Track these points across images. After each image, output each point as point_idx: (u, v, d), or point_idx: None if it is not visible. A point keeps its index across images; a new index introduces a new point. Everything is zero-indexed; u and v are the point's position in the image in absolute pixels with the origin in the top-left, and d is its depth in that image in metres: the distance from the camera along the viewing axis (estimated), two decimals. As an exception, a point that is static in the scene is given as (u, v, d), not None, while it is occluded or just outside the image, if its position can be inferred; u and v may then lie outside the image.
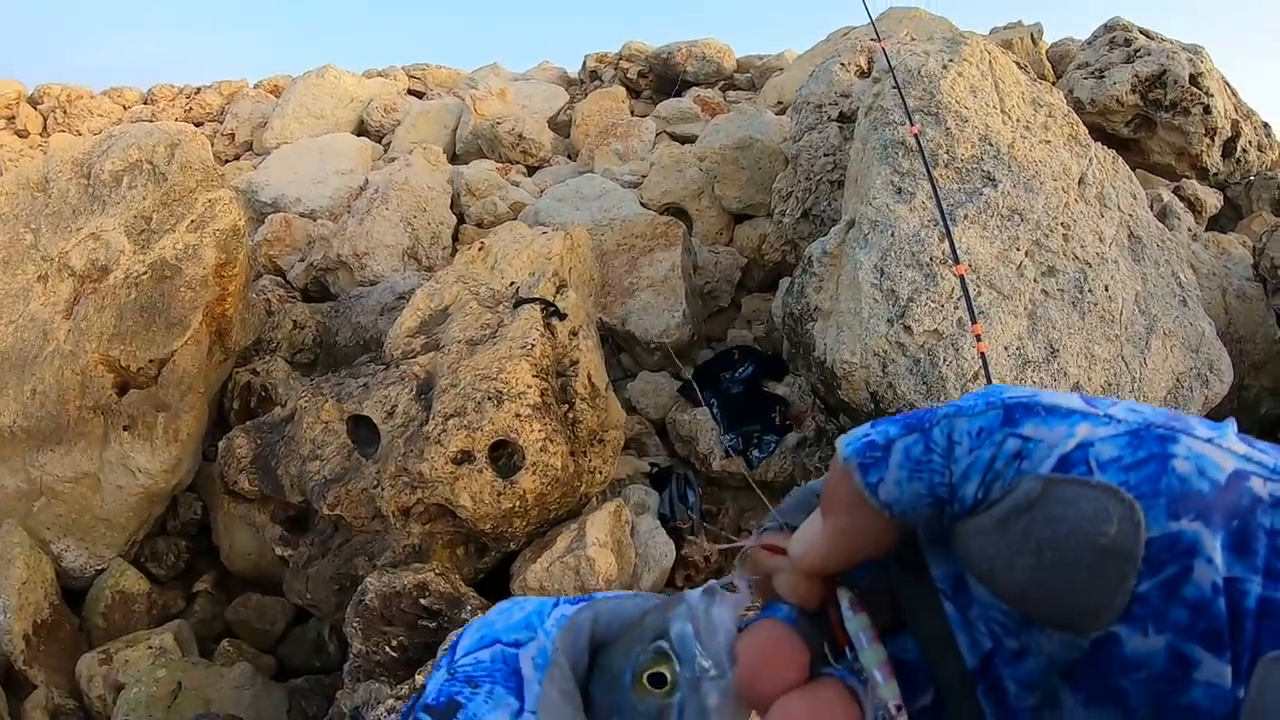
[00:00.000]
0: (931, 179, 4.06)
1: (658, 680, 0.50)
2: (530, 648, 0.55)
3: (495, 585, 4.01)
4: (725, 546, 0.57)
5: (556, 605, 0.58)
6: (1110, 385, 4.21)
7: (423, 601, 3.41)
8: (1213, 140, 7.87)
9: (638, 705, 0.50)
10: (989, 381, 3.45)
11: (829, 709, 0.49)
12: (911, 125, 4.50)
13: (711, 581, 0.53)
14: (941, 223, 3.92)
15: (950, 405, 0.43)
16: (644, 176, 8.73)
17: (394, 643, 3.19)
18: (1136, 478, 0.37)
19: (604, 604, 0.58)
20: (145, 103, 15.35)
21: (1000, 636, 0.42)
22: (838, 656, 0.50)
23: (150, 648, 4.12)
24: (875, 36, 5.64)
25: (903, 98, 4.68)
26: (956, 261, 3.74)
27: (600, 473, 4.32)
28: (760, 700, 0.51)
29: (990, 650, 0.43)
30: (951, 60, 5.19)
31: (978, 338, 3.59)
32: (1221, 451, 0.37)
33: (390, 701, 2.27)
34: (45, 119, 14.54)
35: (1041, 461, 0.39)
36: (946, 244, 3.93)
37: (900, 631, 0.50)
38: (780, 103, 10.03)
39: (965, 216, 4.48)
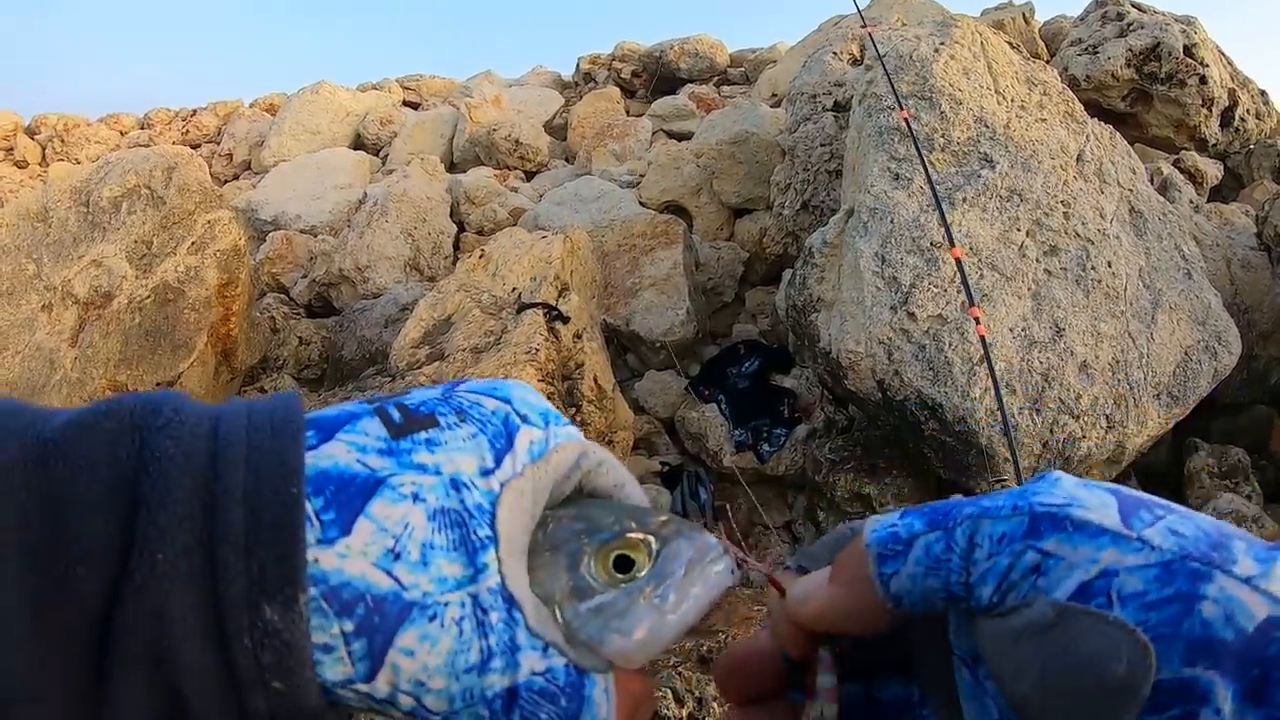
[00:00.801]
0: (924, 162, 4.05)
1: (623, 564, 0.46)
2: (535, 432, 0.47)
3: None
4: (743, 565, 0.53)
5: (571, 424, 0.51)
6: (1118, 361, 4.19)
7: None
8: (1210, 110, 7.83)
9: (585, 573, 0.46)
10: (991, 367, 3.44)
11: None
12: (901, 110, 4.48)
13: (731, 555, 0.50)
14: (936, 205, 3.90)
15: (978, 504, 0.42)
16: (642, 176, 8.72)
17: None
18: (1158, 617, 0.36)
19: (613, 461, 0.53)
20: (142, 127, 15.39)
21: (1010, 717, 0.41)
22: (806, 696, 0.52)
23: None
24: (863, 23, 5.61)
25: (891, 84, 4.67)
26: (952, 244, 3.72)
27: (611, 474, 4.31)
28: (729, 684, 0.54)
29: None
30: (943, 44, 5.18)
31: (976, 320, 3.57)
32: (1258, 596, 0.35)
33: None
34: (43, 149, 14.58)
35: (1059, 582, 0.38)
36: (944, 230, 3.91)
37: (889, 675, 0.52)
38: (775, 95, 10.01)
39: (964, 200, 4.47)
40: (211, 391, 5.12)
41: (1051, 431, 4.04)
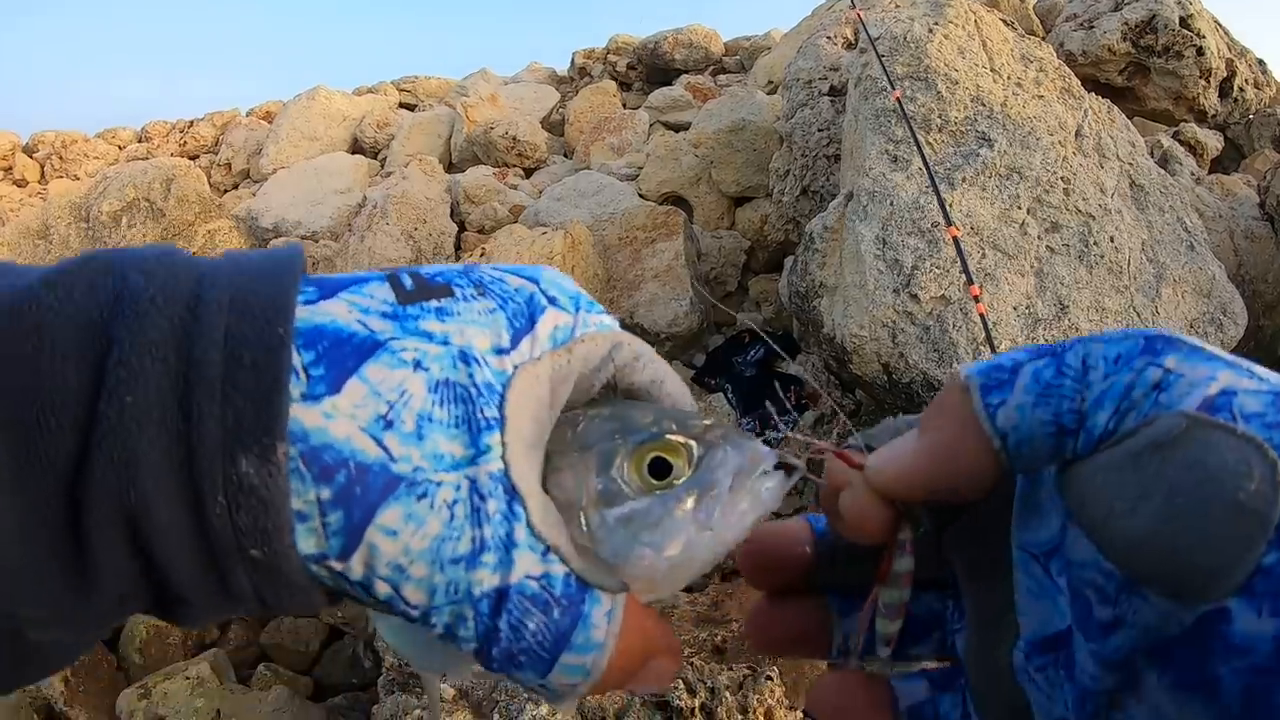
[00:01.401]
0: (917, 142, 4.03)
1: (659, 469, 0.41)
2: (562, 316, 0.43)
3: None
4: (801, 441, 0.48)
5: (607, 314, 0.46)
6: (1124, 336, 4.17)
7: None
8: (1208, 82, 7.79)
9: (616, 476, 0.41)
10: (992, 345, 3.43)
11: (859, 689, 0.48)
12: (894, 91, 4.46)
13: (784, 467, 0.45)
14: (931, 185, 3.89)
15: (1084, 336, 0.38)
16: (640, 168, 8.71)
17: (426, 654, 3.19)
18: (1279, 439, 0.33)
19: (650, 353, 0.48)
20: (140, 141, 15.41)
21: (1093, 604, 0.36)
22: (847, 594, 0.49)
23: (188, 678, 4.14)
24: (853, 4, 5.59)
25: (882, 65, 4.65)
26: (949, 223, 3.71)
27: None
28: (757, 571, 0.50)
29: (1071, 625, 0.38)
30: (937, 24, 5.15)
31: (976, 299, 3.56)
32: None
33: (417, 712, 2.26)
34: (42, 166, 14.61)
35: (1182, 398, 0.34)
36: (941, 210, 3.90)
37: (924, 590, 0.48)
38: (771, 82, 9.98)
39: (964, 179, 4.46)
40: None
41: (1059, 408, 4.02)
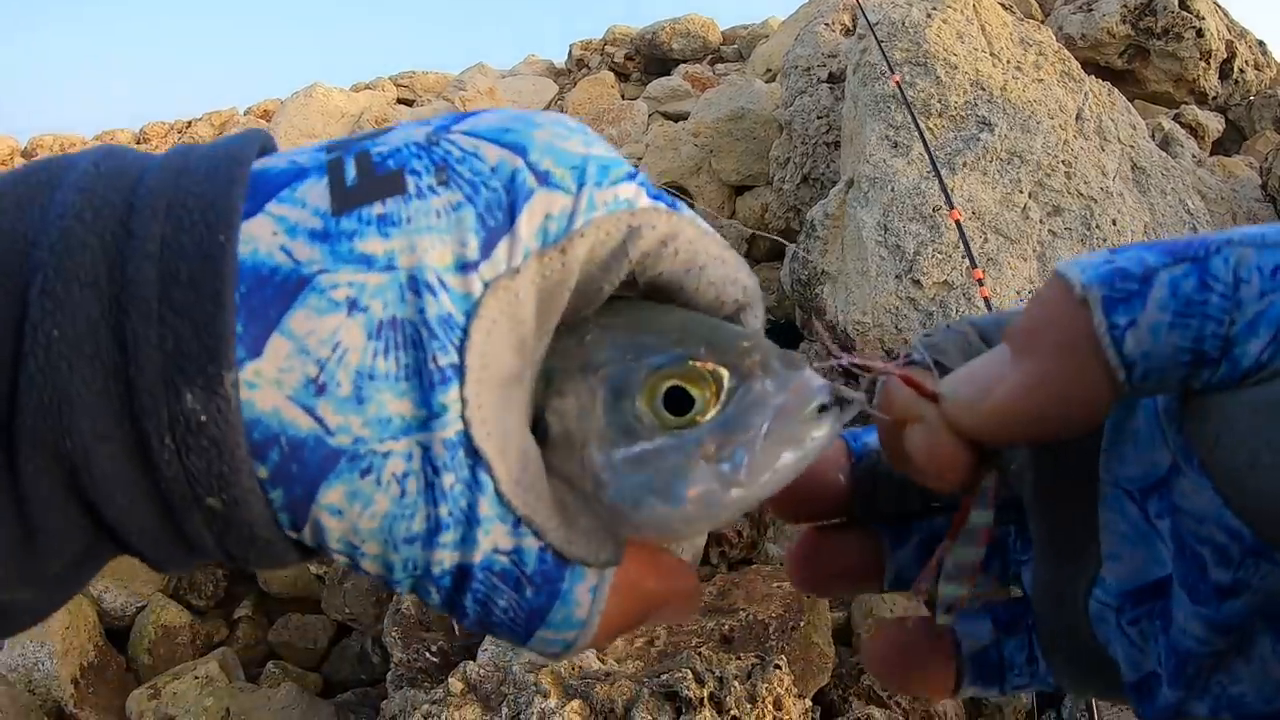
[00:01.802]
0: (918, 126, 4.02)
1: (678, 400, 0.33)
2: (557, 199, 0.33)
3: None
4: (855, 363, 0.38)
5: (632, 178, 0.35)
6: (1127, 319, 4.17)
7: (459, 604, 3.40)
8: (1208, 63, 7.76)
9: (628, 408, 0.33)
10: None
11: (918, 634, 0.42)
12: (893, 75, 4.45)
13: (841, 403, 0.36)
14: (933, 169, 3.87)
15: (1225, 234, 0.30)
16: (640, 159, 8.69)
17: (434, 648, 3.20)
18: None
19: (688, 234, 0.37)
20: (138, 142, 15.39)
21: (1208, 564, 0.30)
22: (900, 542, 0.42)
23: (197, 678, 4.15)
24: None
25: (882, 50, 4.64)
26: (951, 207, 3.70)
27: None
28: (786, 503, 0.42)
29: (1171, 575, 0.33)
30: (935, 8, 5.14)
31: (979, 282, 3.55)
32: None
33: (426, 706, 2.26)
34: (42, 167, 14.61)
35: None
36: (943, 194, 3.89)
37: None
38: (769, 70, 9.95)
39: (964, 164, 4.44)
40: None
41: (1064, 393, 4.02)
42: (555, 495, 0.33)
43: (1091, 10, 7.84)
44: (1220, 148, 7.65)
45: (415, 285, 0.31)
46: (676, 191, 7.92)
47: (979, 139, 4.56)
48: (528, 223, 0.32)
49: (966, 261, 4.07)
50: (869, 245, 4.35)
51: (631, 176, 0.36)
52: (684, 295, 0.37)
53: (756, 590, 3.12)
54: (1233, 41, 7.97)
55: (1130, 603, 0.35)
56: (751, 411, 0.33)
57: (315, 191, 0.32)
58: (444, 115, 0.36)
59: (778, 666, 2.32)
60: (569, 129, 0.35)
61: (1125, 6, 7.65)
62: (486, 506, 0.31)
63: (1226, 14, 8.19)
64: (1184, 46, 7.62)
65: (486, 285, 0.31)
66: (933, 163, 3.86)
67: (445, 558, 0.31)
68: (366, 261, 0.31)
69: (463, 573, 0.32)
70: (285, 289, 0.30)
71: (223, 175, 0.32)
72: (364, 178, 0.32)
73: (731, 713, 2.16)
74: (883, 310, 4.22)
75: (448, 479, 0.31)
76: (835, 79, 6.65)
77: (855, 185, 4.66)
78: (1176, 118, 7.41)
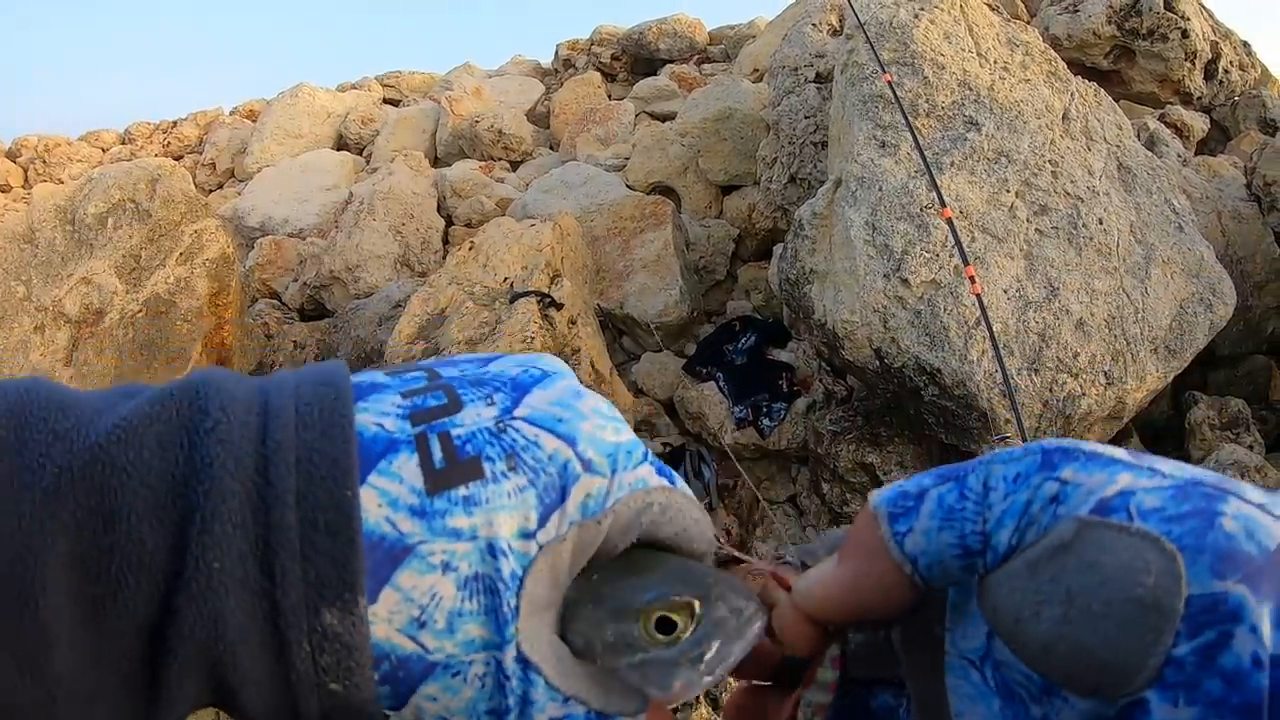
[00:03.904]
0: (909, 125, 4.03)
1: (665, 625, 0.45)
2: (595, 482, 0.44)
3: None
4: (740, 562, 0.53)
5: (645, 458, 0.47)
6: (1114, 318, 4.18)
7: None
8: (1193, 64, 7.81)
9: (626, 631, 0.45)
10: (989, 324, 3.43)
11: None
12: (884, 74, 4.46)
13: (764, 610, 0.49)
14: (924, 168, 3.89)
15: (987, 456, 0.41)
16: (627, 159, 8.70)
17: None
18: (1179, 530, 0.34)
19: (678, 505, 0.49)
20: (123, 143, 15.32)
21: (1027, 703, 0.38)
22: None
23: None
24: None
25: (872, 49, 4.65)
26: (943, 205, 3.71)
27: (613, 459, 4.32)
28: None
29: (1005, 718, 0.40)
30: (922, 9, 5.15)
31: (971, 279, 3.56)
32: (1273, 519, 0.34)
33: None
34: (25, 171, 14.52)
35: (1079, 505, 0.36)
36: (934, 192, 3.90)
37: (885, 687, 0.50)
38: (756, 70, 9.97)
39: (952, 164, 4.46)
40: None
41: (1051, 391, 4.04)
42: (591, 674, 0.44)
43: (1077, 11, 7.88)
44: (1205, 147, 7.70)
45: (493, 551, 0.41)
46: (664, 193, 7.93)
47: (966, 139, 4.57)
48: (574, 500, 0.43)
49: (954, 261, 4.09)
50: (857, 244, 4.36)
51: (645, 458, 0.47)
52: (671, 545, 0.49)
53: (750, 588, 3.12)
54: (1218, 42, 8.02)
55: None
56: (714, 628, 0.46)
57: (409, 469, 0.41)
58: (502, 380, 0.47)
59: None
60: (605, 420, 0.47)
61: (1111, 7, 7.69)
62: (538, 694, 0.41)
63: (1211, 15, 8.24)
64: (1169, 47, 7.67)
65: (540, 548, 0.42)
66: (924, 161, 3.88)
67: None
68: (456, 534, 0.41)
69: None
70: (393, 554, 0.39)
71: (338, 435, 0.40)
72: (449, 462, 0.42)
73: (723, 711, 2.17)
74: (871, 309, 4.23)
75: (513, 680, 0.41)
76: (823, 79, 6.67)
77: (843, 185, 4.67)
78: (1162, 118, 7.46)
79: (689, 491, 0.51)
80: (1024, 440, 3.24)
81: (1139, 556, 0.34)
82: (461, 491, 0.41)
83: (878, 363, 4.29)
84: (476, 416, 0.44)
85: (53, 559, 0.36)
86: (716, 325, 6.38)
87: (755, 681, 0.55)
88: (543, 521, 0.42)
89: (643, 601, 0.46)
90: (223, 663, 0.38)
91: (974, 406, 3.98)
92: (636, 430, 5.28)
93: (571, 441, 0.44)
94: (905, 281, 4.19)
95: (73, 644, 0.36)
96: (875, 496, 0.43)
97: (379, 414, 0.43)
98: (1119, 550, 0.34)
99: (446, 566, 0.40)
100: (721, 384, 5.55)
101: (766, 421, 5.27)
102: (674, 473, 0.50)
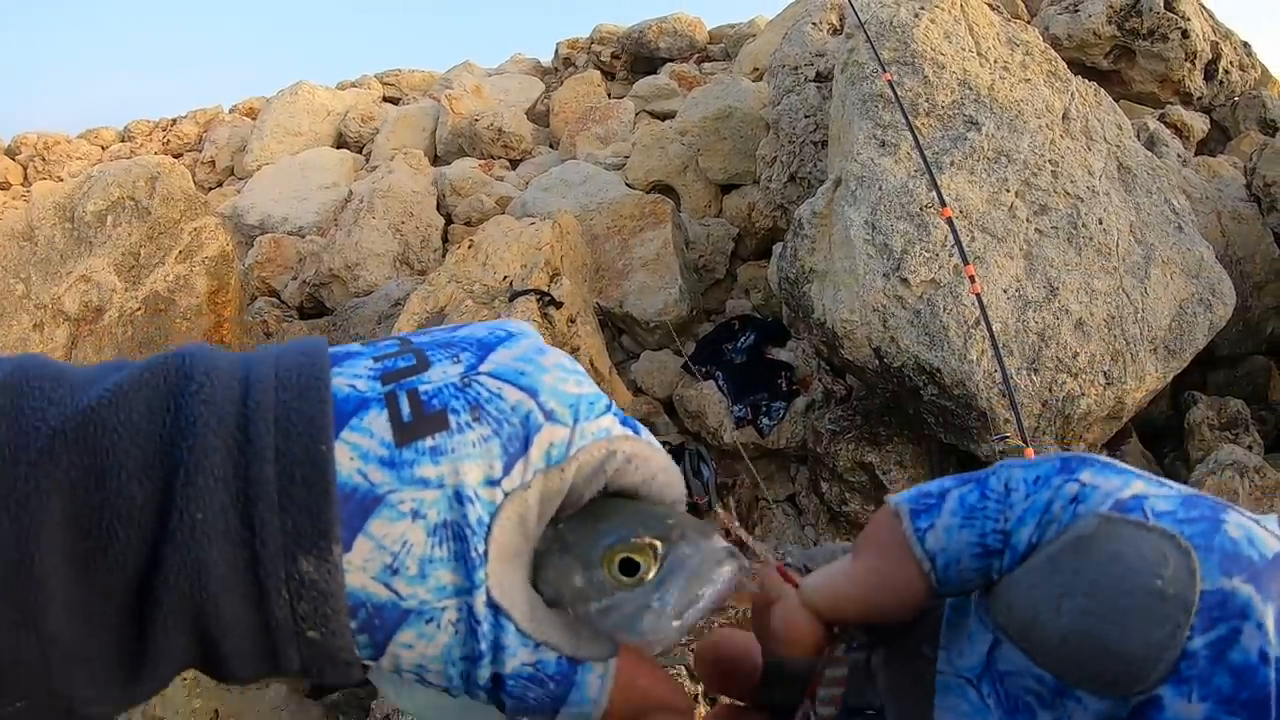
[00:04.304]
0: (909, 124, 4.03)
1: (629, 567, 0.46)
2: (558, 432, 0.45)
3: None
4: (743, 540, 0.51)
5: (609, 410, 0.48)
6: (1113, 318, 4.18)
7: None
8: (1193, 64, 7.81)
9: (592, 576, 0.46)
10: (988, 323, 3.43)
11: None
12: (885, 73, 4.46)
13: (739, 557, 0.48)
14: (925, 167, 3.89)
15: (1004, 462, 0.42)
16: (627, 158, 8.69)
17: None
18: (1191, 530, 0.35)
19: (643, 454, 0.49)
20: (123, 140, 15.32)
21: (1035, 711, 0.38)
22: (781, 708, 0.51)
23: (185, 679, 4.12)
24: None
25: (873, 48, 4.65)
26: (943, 204, 3.71)
27: (612, 458, 4.32)
28: (710, 678, 0.53)
29: None
30: (923, 8, 5.15)
31: (971, 279, 3.56)
32: (1267, 533, 0.36)
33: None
34: (25, 169, 14.51)
35: (1099, 505, 0.37)
36: (934, 192, 3.90)
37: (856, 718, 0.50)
38: (756, 70, 9.96)
39: (952, 163, 4.45)
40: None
41: (1050, 391, 4.04)
42: (563, 622, 0.45)
43: (1078, 11, 7.88)
44: (1205, 148, 7.70)
45: (459, 498, 0.42)
46: (663, 192, 7.93)
47: (966, 138, 4.57)
48: (537, 449, 0.44)
49: (954, 260, 4.09)
50: (857, 244, 4.35)
51: (608, 409, 0.48)
52: (639, 494, 0.50)
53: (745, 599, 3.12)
54: (1218, 43, 8.01)
55: None
56: (678, 568, 0.46)
57: (379, 424, 0.43)
58: (469, 340, 0.48)
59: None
60: (567, 372, 0.48)
61: (1111, 7, 7.69)
62: (509, 639, 0.43)
63: (1212, 15, 8.23)
64: (1169, 47, 7.67)
65: (506, 495, 0.43)
66: (924, 161, 3.87)
67: (484, 672, 0.43)
68: (424, 483, 0.42)
69: (498, 679, 0.43)
70: (364, 504, 0.41)
71: (314, 396, 0.42)
72: (417, 416, 0.43)
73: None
74: (870, 309, 4.23)
75: (485, 625, 0.42)
76: (823, 78, 6.66)
77: (843, 184, 4.66)
78: (1162, 118, 7.46)
79: (655, 441, 0.51)
80: (1023, 440, 3.25)
81: (1158, 550, 0.35)
82: (428, 442, 0.43)
83: (877, 362, 4.29)
84: (443, 374, 0.46)
85: (48, 518, 0.38)
86: (716, 324, 6.38)
87: (736, 702, 0.55)
88: (507, 470, 0.43)
89: (604, 546, 0.46)
90: (205, 613, 0.39)
91: (973, 406, 3.98)
92: (636, 429, 5.27)
93: (534, 393, 0.46)
94: (905, 281, 4.19)
95: (66, 603, 0.38)
96: (894, 499, 0.43)
97: (352, 376, 0.45)
98: (1139, 544, 0.35)
99: (416, 514, 0.42)
100: (721, 383, 5.55)
101: (766, 420, 5.27)
102: (640, 424, 0.51)
